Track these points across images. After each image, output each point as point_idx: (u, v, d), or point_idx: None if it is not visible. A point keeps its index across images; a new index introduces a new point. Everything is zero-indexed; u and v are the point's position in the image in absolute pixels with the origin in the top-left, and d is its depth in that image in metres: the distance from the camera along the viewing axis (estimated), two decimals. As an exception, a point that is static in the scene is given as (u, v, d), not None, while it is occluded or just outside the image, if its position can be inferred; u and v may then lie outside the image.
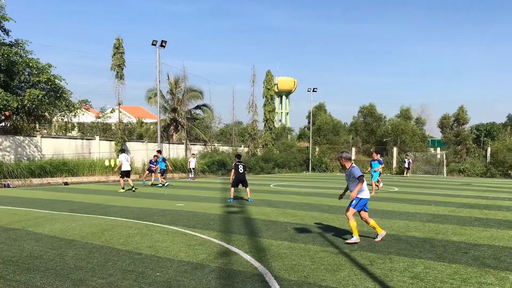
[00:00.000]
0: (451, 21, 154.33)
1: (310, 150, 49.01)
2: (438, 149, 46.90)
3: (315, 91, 49.99)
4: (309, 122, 57.29)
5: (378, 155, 20.89)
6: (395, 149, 46.22)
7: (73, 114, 31.41)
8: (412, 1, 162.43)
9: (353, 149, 49.19)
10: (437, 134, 57.44)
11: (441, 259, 7.26)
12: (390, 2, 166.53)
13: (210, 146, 43.54)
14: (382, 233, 8.79)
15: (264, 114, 48.72)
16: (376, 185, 20.09)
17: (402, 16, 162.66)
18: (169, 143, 39.21)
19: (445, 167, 41.88)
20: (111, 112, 41.99)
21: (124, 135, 33.81)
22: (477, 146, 45.20)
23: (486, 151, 42.92)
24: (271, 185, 25.09)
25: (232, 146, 46.91)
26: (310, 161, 48.42)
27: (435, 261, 7.09)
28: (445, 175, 41.21)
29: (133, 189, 20.55)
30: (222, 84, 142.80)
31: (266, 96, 48.70)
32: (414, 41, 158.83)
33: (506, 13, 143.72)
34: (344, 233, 9.55)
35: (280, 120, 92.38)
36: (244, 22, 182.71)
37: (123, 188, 20.43)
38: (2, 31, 27.00)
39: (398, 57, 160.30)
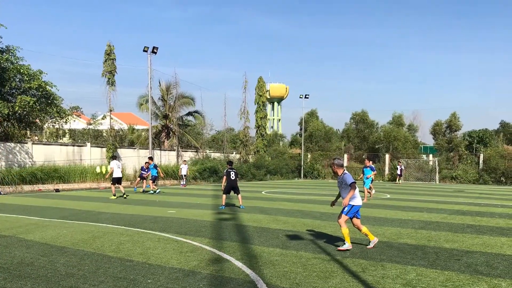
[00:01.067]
0: (445, 27, 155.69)
1: (302, 157, 49.04)
2: (431, 155, 46.99)
3: (307, 98, 50.15)
4: (301, 129, 57.38)
5: (370, 162, 20.93)
6: (387, 156, 46.38)
7: (64, 120, 31.25)
8: (407, 7, 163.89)
9: (345, 155, 49.23)
10: (430, 141, 57.72)
11: (433, 266, 7.26)
12: (383, 8, 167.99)
13: (201, 153, 43.43)
14: (374, 240, 8.79)
15: (256, 120, 48.55)
16: (368, 192, 20.12)
17: (395, 22, 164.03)
18: (160, 149, 39.08)
19: (437, 174, 42.05)
20: (103, 118, 41.81)
21: (115, 142, 33.65)
22: (470, 152, 45.40)
23: (479, 157, 43.03)
24: (263, 192, 25.05)
25: (223, 152, 46.82)
26: (302, 168, 48.43)
27: (428, 268, 7.08)
28: (437, 182, 41.37)
29: (125, 196, 20.41)
30: (213, 90, 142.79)
31: (258, 103, 48.54)
32: (406, 47, 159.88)
33: (500, 19, 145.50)
34: (336, 240, 9.53)
35: (272, 127, 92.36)
36: (235, 28, 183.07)
37: (115, 195, 20.31)
38: (-7, 37, 26.89)
39: (391, 63, 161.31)
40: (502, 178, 40.14)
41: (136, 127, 50.46)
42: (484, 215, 14.70)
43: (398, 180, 39.63)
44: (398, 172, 39.74)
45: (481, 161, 42.41)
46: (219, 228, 11.22)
